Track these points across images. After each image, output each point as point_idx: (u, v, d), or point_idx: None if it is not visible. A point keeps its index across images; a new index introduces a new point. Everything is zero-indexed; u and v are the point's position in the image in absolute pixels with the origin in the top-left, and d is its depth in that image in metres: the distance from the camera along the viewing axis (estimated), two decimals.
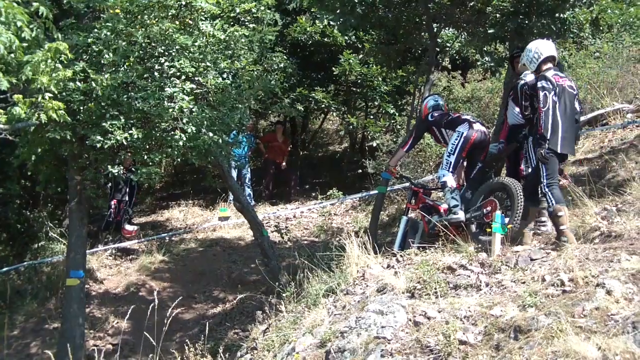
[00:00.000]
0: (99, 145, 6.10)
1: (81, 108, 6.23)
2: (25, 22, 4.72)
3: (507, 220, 5.38)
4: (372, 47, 10.62)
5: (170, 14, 6.66)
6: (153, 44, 6.59)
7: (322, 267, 5.94)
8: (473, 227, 5.95)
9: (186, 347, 5.61)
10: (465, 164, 6.54)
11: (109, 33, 6.27)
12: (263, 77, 7.92)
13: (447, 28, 9.88)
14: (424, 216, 6.60)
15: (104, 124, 6.16)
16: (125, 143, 6.22)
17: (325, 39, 12.69)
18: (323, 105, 13.06)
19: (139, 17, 6.48)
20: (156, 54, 6.59)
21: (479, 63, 11.11)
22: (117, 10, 6.33)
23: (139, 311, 8.92)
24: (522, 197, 5.44)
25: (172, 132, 6.42)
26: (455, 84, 13.63)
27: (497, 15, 7.75)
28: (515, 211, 5.43)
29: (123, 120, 6.25)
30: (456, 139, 6.27)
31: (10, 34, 4.55)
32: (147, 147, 6.64)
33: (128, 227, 11.21)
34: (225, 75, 7.24)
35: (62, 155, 7.04)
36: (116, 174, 6.59)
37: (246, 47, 7.59)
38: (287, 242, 10.31)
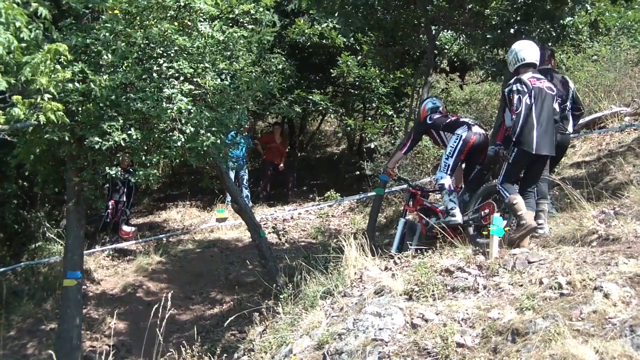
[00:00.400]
0: (97, 146, 6.10)
1: (79, 109, 6.23)
2: (24, 23, 4.72)
3: (504, 222, 5.39)
4: (370, 49, 10.62)
5: (169, 15, 6.67)
6: (152, 45, 6.59)
7: (319, 269, 5.93)
8: (471, 230, 5.95)
9: (183, 349, 5.60)
10: (463, 166, 6.54)
11: (107, 34, 6.28)
12: (261, 78, 7.93)
13: (445, 30, 9.90)
14: (422, 218, 6.60)
15: (102, 124, 6.15)
16: (123, 144, 6.22)
17: (324, 41, 12.68)
18: (321, 107, 13.05)
19: (138, 18, 6.49)
20: (155, 55, 6.59)
21: (481, 72, 11.12)
22: (116, 11, 6.34)
23: (136, 312, 8.95)
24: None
25: (171, 133, 6.42)
26: (453, 86, 13.66)
27: (496, 18, 7.76)
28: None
29: (121, 121, 6.25)
30: (455, 142, 6.27)
31: (9, 34, 4.55)
32: (146, 148, 6.64)
33: (125, 228, 11.21)
34: (223, 76, 7.24)
35: (60, 156, 7.04)
36: (114, 175, 6.58)
37: (245, 48, 7.60)
38: (285, 243, 10.31)
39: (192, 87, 6.65)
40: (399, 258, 5.78)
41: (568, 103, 6.21)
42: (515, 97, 5.51)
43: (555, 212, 6.27)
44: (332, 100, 13.34)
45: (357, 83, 12.84)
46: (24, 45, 4.97)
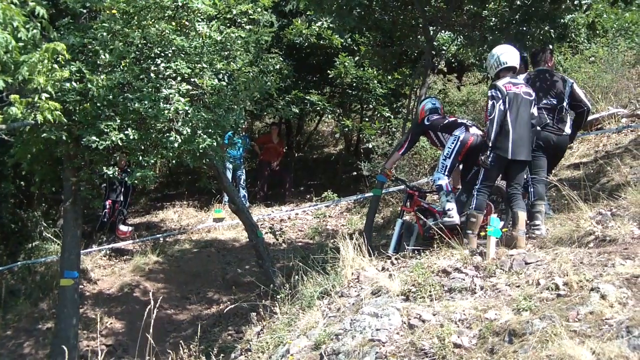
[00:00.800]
0: (94, 145, 6.09)
1: (77, 108, 6.23)
2: (22, 23, 4.72)
3: (501, 223, 5.40)
4: (368, 49, 10.63)
5: (166, 15, 6.67)
6: (149, 45, 6.59)
7: (316, 269, 5.93)
8: None
9: (180, 348, 5.59)
10: (461, 167, 6.55)
11: (105, 33, 6.27)
12: (259, 78, 7.91)
13: (443, 31, 9.91)
14: (419, 219, 6.60)
15: (99, 124, 6.15)
16: (120, 144, 6.22)
17: (321, 42, 12.69)
18: (318, 108, 13.06)
19: (136, 17, 6.49)
20: (152, 54, 6.58)
21: (479, 73, 11.12)
22: (114, 11, 6.33)
23: (132, 312, 8.93)
24: None
25: (168, 134, 6.41)
26: (451, 87, 13.66)
27: (494, 19, 7.77)
28: (509, 215, 5.46)
29: (119, 121, 6.25)
30: (453, 143, 6.27)
31: (7, 33, 4.54)
32: (143, 148, 6.63)
33: (122, 227, 11.19)
34: (221, 77, 7.23)
35: (57, 156, 7.03)
36: (111, 174, 6.57)
37: (242, 49, 7.59)
38: (282, 243, 10.29)
39: (190, 87, 6.64)
40: (396, 259, 5.78)
41: (564, 104, 6.15)
42: (489, 103, 5.58)
43: (552, 213, 6.28)
44: (330, 100, 13.35)
45: (354, 84, 12.85)
46: (21, 44, 4.97)
